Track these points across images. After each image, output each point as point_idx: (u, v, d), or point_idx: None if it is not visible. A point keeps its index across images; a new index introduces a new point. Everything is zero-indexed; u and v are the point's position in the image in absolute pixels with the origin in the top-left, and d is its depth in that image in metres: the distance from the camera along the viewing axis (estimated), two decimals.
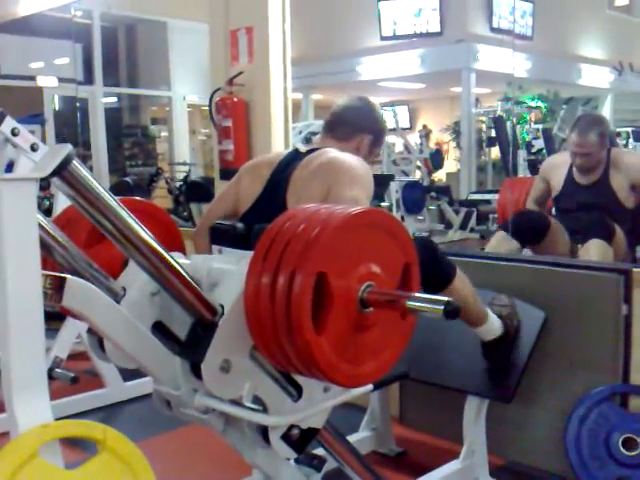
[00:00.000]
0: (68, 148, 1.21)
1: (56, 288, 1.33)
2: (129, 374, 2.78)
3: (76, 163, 1.23)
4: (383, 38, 11.94)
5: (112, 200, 1.31)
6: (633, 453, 2.09)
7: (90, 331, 1.57)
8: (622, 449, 2.10)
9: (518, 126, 9.81)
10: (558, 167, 3.22)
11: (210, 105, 3.58)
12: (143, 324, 1.48)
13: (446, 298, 1.29)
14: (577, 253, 3.06)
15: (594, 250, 2.81)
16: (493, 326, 2.13)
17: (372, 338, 1.39)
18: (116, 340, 1.42)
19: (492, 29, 11.83)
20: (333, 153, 1.91)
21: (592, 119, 3.04)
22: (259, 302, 1.30)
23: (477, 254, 2.74)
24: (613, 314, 2.19)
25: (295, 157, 1.96)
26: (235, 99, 3.39)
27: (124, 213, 1.32)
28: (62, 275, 1.34)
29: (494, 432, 2.25)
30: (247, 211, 1.96)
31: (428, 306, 1.31)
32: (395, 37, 11.93)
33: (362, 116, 2.05)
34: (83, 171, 1.25)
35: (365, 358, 1.40)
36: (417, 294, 1.37)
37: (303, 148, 2.01)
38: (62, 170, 1.21)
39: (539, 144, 9.03)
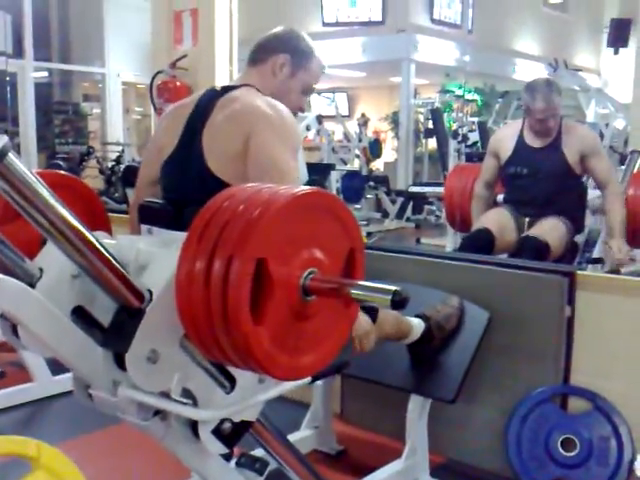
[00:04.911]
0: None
1: None
2: (58, 367, 2.61)
3: None
4: (325, 24, 11.85)
5: (27, 173, 1.17)
6: (571, 454, 2.08)
7: (2, 316, 1.42)
8: (561, 449, 2.08)
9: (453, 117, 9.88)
10: (506, 138, 3.23)
11: (151, 88, 3.44)
12: (61, 309, 1.34)
13: (393, 287, 1.21)
14: (525, 229, 3.10)
15: (548, 227, 2.94)
16: (417, 332, 2.10)
17: (313, 328, 1.30)
18: (29, 327, 1.29)
19: (432, 20, 11.91)
20: (248, 97, 1.76)
21: (546, 82, 3.05)
22: (192, 288, 1.19)
23: (426, 252, 2.67)
24: (556, 315, 2.17)
25: (212, 96, 1.82)
26: (178, 83, 3.27)
27: (40, 187, 1.18)
28: None
29: (434, 430, 2.20)
30: (168, 158, 1.81)
31: (375, 295, 1.23)
32: (337, 24, 11.87)
33: (277, 37, 1.91)
34: None
35: (305, 349, 1.30)
36: (362, 282, 1.28)
37: (220, 86, 1.87)
38: None
39: (474, 137, 9.11)
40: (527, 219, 3.12)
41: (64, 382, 2.79)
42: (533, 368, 2.21)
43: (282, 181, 1.58)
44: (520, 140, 3.16)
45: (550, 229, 3.01)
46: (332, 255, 1.30)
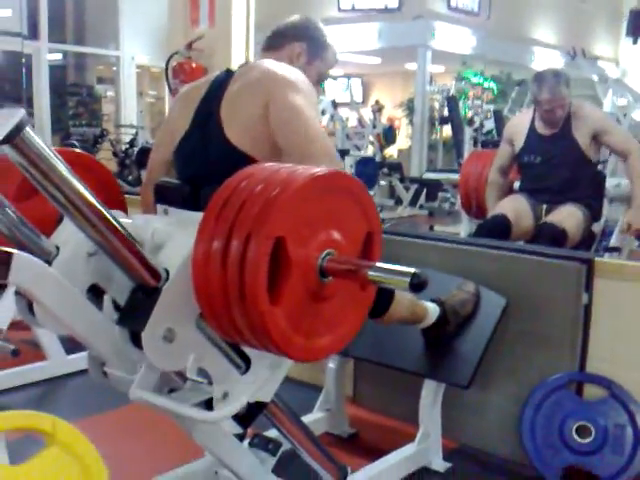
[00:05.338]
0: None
1: None
2: (72, 346, 2.60)
3: None
4: (341, 10, 11.78)
5: (44, 148, 1.16)
6: (586, 441, 2.05)
7: (18, 293, 1.42)
8: (576, 436, 2.06)
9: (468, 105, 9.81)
10: (521, 125, 3.22)
11: (166, 69, 3.43)
12: (77, 287, 1.34)
13: (412, 270, 1.19)
14: (542, 216, 3.09)
15: (566, 213, 2.92)
16: (431, 317, 2.09)
17: (330, 310, 1.29)
18: (45, 304, 1.29)
19: (450, 7, 11.80)
20: (266, 64, 1.75)
21: (554, 73, 3.04)
22: (209, 268, 1.18)
23: (442, 237, 2.64)
24: (573, 303, 2.14)
25: (227, 75, 1.80)
26: (194, 65, 3.26)
27: (57, 162, 1.18)
28: None
29: (448, 415, 2.18)
30: (182, 139, 1.79)
31: (393, 277, 1.21)
32: (353, 10, 11.79)
33: (294, 25, 1.91)
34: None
35: (321, 331, 1.29)
36: (380, 264, 1.27)
37: (235, 67, 1.86)
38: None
39: (489, 125, 9.04)
40: (544, 206, 3.09)
41: (78, 361, 2.80)
42: (549, 355, 2.18)
43: (306, 131, 1.58)
44: (532, 128, 3.14)
45: (568, 216, 2.98)
46: (350, 237, 1.29)
